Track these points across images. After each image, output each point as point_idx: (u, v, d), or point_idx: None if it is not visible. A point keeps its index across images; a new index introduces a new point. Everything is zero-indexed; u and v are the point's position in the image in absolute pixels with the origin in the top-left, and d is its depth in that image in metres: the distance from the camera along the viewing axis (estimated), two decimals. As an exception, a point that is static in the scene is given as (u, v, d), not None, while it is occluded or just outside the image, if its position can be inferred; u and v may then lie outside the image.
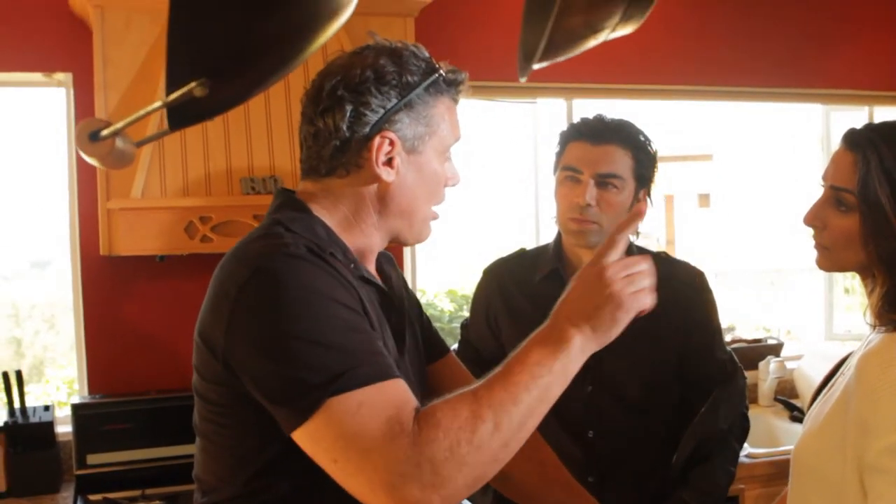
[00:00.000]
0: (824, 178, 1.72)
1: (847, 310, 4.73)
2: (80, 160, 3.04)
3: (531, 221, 3.90)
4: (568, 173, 2.29)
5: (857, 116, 4.45)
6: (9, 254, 3.85)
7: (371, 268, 1.58)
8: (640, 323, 2.29)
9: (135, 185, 2.65)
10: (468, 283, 4.13)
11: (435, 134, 1.51)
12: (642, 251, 2.41)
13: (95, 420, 3.01)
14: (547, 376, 1.37)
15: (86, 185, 3.06)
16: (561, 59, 1.47)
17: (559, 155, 2.35)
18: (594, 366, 2.25)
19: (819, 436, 1.69)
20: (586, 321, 1.41)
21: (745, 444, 3.10)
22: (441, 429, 1.25)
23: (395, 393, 1.29)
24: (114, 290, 3.16)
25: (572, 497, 1.90)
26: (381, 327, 1.47)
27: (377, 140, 1.45)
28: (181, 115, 1.16)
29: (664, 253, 2.52)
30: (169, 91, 1.10)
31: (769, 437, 3.61)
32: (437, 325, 3.67)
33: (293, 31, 1.16)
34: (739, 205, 6.39)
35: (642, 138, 2.32)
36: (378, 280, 1.54)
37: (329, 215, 1.49)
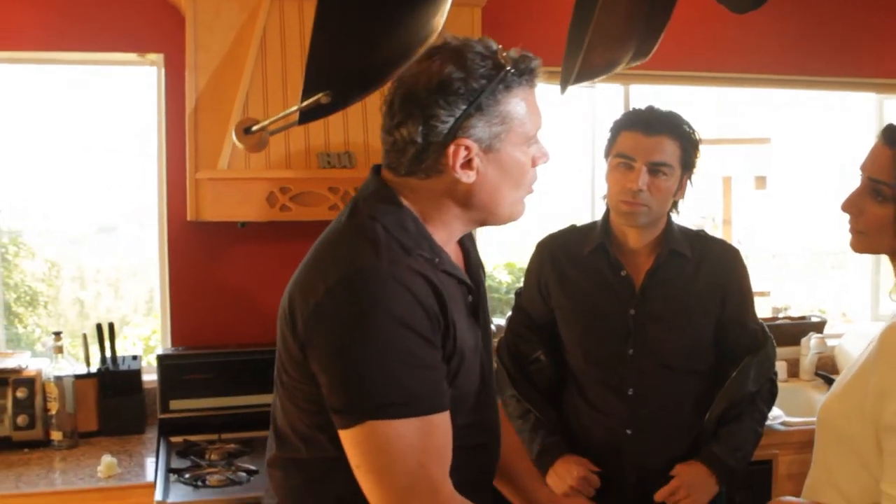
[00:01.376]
0: (862, 168, 1.87)
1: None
2: (170, 134, 3.30)
3: (587, 199, 4.07)
4: (621, 160, 2.48)
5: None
6: (76, 218, 4.06)
7: (452, 249, 1.66)
8: (681, 295, 2.53)
9: (221, 158, 2.88)
10: (525, 257, 4.31)
11: (511, 129, 1.54)
12: (683, 230, 2.63)
13: (178, 370, 3.25)
14: None
15: (174, 156, 3.30)
16: (586, 84, 1.66)
17: (612, 142, 2.54)
18: (636, 331, 2.50)
19: (842, 398, 1.86)
20: None
21: (782, 413, 3.29)
22: None
23: (436, 431, 1.44)
24: (197, 252, 3.40)
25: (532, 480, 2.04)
26: (458, 318, 1.55)
27: (452, 148, 1.49)
28: (306, 115, 1.40)
29: (702, 231, 2.72)
30: (303, 98, 1.33)
31: (807, 408, 3.78)
32: (494, 295, 3.86)
33: (399, 53, 1.35)
34: (795, 188, 6.45)
35: (687, 128, 2.51)
36: (461, 272, 1.62)
37: (416, 208, 1.57)
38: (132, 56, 3.36)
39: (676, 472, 2.49)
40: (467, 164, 1.52)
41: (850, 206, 1.88)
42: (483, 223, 1.66)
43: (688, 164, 2.53)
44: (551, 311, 2.65)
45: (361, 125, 2.99)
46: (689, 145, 2.51)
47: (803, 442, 3.29)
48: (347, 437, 1.44)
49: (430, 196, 1.57)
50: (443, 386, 1.49)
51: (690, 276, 2.57)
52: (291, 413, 1.59)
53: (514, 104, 1.54)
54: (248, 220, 2.97)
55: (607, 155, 2.56)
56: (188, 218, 2.99)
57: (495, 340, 2.79)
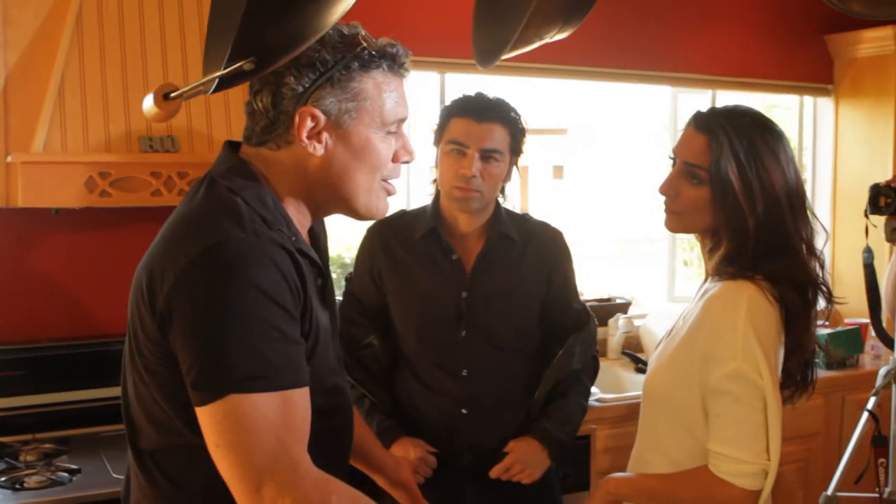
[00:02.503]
0: (676, 153, 2.00)
1: (686, 279, 5.15)
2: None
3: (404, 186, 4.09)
4: (454, 146, 2.53)
5: (701, 99, 4.83)
6: None
7: (305, 233, 1.65)
8: (510, 277, 2.61)
9: (35, 140, 2.72)
10: (336, 245, 4.32)
11: (364, 108, 1.56)
12: (510, 213, 2.71)
13: (-16, 367, 3.06)
14: None
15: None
16: (510, 55, 1.72)
17: (442, 128, 2.58)
18: (468, 313, 2.56)
19: (668, 368, 1.98)
20: None
21: (597, 390, 3.43)
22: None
23: (294, 407, 1.42)
24: (5, 241, 3.20)
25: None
26: (314, 300, 1.55)
27: (297, 117, 1.52)
28: (225, 82, 1.36)
29: (527, 214, 2.81)
30: (227, 64, 1.29)
31: (617, 385, 3.97)
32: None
33: (317, 16, 1.33)
34: (591, 178, 6.73)
35: (515, 115, 2.60)
36: (314, 253, 1.61)
37: (271, 185, 1.57)
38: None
39: (510, 448, 2.57)
40: (316, 136, 1.55)
41: (667, 188, 2.00)
42: (340, 210, 1.67)
43: (516, 150, 2.62)
44: (383, 296, 2.67)
45: (184, 108, 2.88)
46: (517, 132, 2.60)
47: (617, 417, 3.45)
48: (206, 414, 1.40)
49: (283, 171, 1.58)
50: (303, 361, 1.48)
51: (518, 258, 2.66)
52: (146, 400, 1.54)
53: (371, 85, 1.57)
54: (65, 206, 2.83)
55: (438, 141, 2.60)
56: (-1, 204, 2.84)
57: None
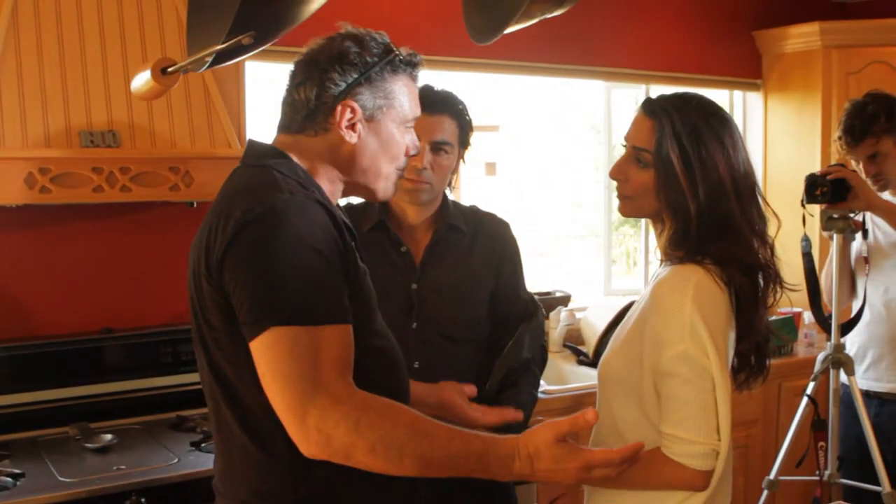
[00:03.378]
0: (626, 138, 2.03)
1: (619, 274, 5.22)
2: None
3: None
4: None
5: (635, 94, 4.90)
6: None
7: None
8: (459, 268, 2.61)
9: (-29, 136, 2.66)
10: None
11: (392, 106, 1.81)
12: (457, 205, 2.72)
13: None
14: (462, 466, 1.63)
15: None
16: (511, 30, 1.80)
17: None
18: (419, 305, 2.56)
19: (620, 351, 2.01)
20: (534, 478, 1.67)
21: (542, 382, 3.45)
22: (357, 424, 1.53)
23: (334, 341, 1.58)
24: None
25: None
26: (353, 250, 1.73)
27: (339, 108, 1.74)
28: (223, 56, 1.38)
29: (475, 206, 2.82)
30: (227, 38, 1.32)
31: (560, 377, 4.00)
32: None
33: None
34: (523, 175, 6.76)
35: (462, 108, 2.62)
36: (345, 216, 1.79)
37: (304, 164, 1.77)
38: None
39: (464, 439, 2.56)
40: (351, 126, 1.77)
41: (617, 172, 2.02)
42: (360, 192, 1.90)
43: (464, 142, 2.63)
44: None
45: (125, 103, 2.85)
46: (465, 124, 2.62)
47: (562, 408, 3.48)
48: (255, 347, 1.57)
49: (317, 155, 1.78)
50: (345, 302, 1.64)
51: (467, 249, 2.66)
52: (226, 373, 1.70)
53: (398, 86, 1.82)
54: (4, 203, 2.74)
55: None
56: (-69, 203, 2.74)
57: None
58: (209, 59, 1.31)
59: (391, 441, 1.55)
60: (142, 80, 1.37)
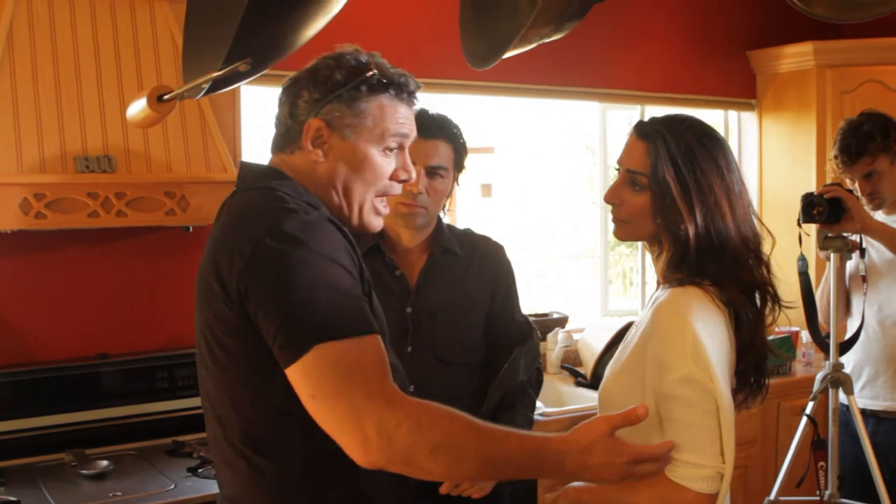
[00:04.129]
0: (620, 162, 2.02)
1: (615, 294, 5.21)
2: None
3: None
4: None
5: (629, 115, 4.91)
6: None
7: None
8: (454, 291, 2.61)
9: (-34, 162, 2.65)
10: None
11: (364, 126, 1.76)
12: (451, 228, 2.72)
13: None
14: (517, 466, 1.64)
15: None
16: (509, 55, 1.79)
17: None
18: (414, 329, 2.55)
19: (621, 375, 1.99)
20: (583, 474, 1.67)
21: (541, 404, 3.44)
22: (419, 423, 1.52)
23: (374, 349, 1.58)
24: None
25: None
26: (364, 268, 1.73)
27: (305, 126, 1.74)
28: (220, 84, 1.38)
29: (469, 230, 2.82)
30: (224, 65, 1.32)
31: (558, 399, 3.99)
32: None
33: (304, 25, 1.35)
34: (519, 196, 6.77)
35: (457, 131, 2.63)
36: (352, 238, 1.74)
37: (299, 180, 1.76)
38: None
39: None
40: (321, 145, 1.76)
41: (612, 196, 2.01)
42: (340, 219, 1.78)
43: (459, 166, 2.64)
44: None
45: (121, 128, 2.85)
46: (460, 148, 2.63)
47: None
48: (297, 370, 1.54)
49: (304, 174, 1.77)
50: (370, 314, 1.63)
51: (462, 272, 2.66)
52: (235, 390, 1.70)
53: (374, 105, 1.77)
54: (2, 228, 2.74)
55: None
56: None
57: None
58: (206, 87, 1.31)
59: (453, 441, 1.54)
60: (137, 107, 1.37)
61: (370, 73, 1.76)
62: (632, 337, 2.03)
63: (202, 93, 1.33)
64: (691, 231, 1.88)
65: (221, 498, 1.82)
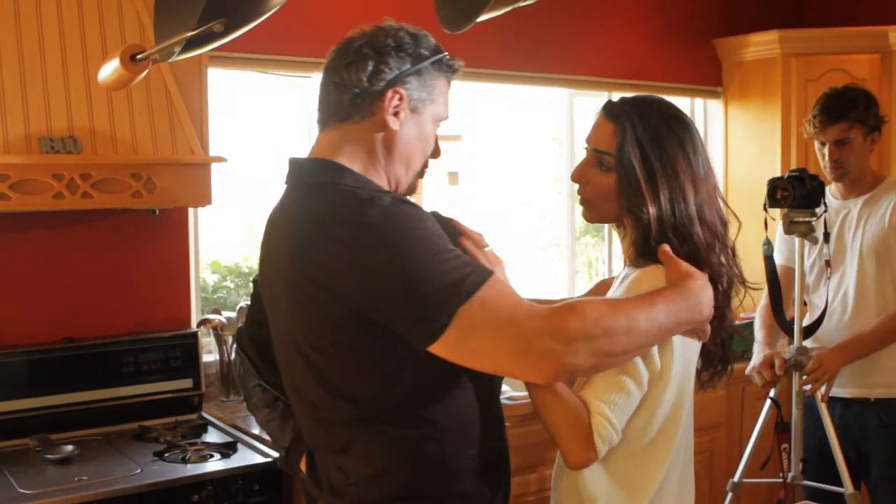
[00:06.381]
0: (587, 141, 2.02)
1: (581, 283, 5.24)
2: None
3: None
4: None
5: (597, 102, 4.92)
6: None
7: None
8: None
9: (-73, 142, 2.61)
10: (229, 257, 4.26)
11: (434, 102, 1.84)
12: (437, 215, 2.71)
13: None
14: (675, 319, 1.77)
15: None
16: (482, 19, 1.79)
17: None
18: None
19: None
20: (698, 290, 1.83)
21: (508, 388, 3.46)
22: (579, 314, 1.61)
23: (500, 284, 1.65)
24: None
25: None
26: None
27: (389, 93, 1.76)
28: (193, 43, 1.37)
29: (436, 212, 2.81)
30: (198, 25, 1.30)
31: (520, 383, 3.99)
32: (202, 294, 3.81)
33: None
34: (486, 184, 6.77)
35: None
36: None
37: (352, 163, 1.78)
38: None
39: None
40: (395, 114, 1.78)
41: (578, 175, 2.01)
42: (397, 183, 1.86)
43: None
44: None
45: (86, 108, 2.82)
46: None
47: (527, 414, 3.46)
48: (448, 339, 1.59)
49: (363, 144, 1.80)
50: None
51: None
52: (353, 384, 1.75)
53: (441, 86, 1.86)
54: (-38, 210, 2.71)
55: None
56: None
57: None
58: (178, 49, 1.30)
59: (615, 315, 1.66)
60: (109, 69, 1.35)
61: (442, 53, 1.85)
62: None
63: (175, 54, 1.32)
64: (653, 213, 1.88)
65: (345, 484, 1.83)
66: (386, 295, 1.61)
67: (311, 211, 1.73)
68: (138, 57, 1.33)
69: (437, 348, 1.62)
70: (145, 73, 1.38)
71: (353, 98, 1.78)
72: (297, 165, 1.85)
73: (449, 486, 1.79)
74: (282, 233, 1.78)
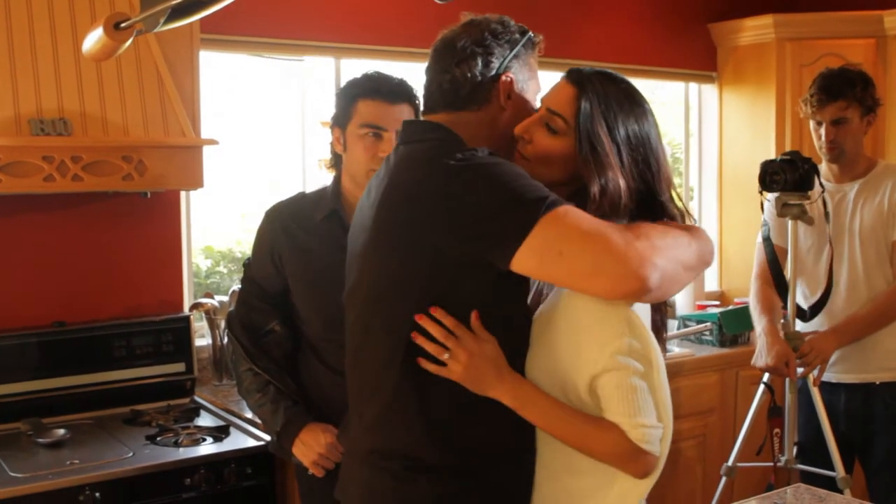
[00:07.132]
0: (543, 100, 1.93)
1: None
2: None
3: (297, 167, 4.00)
4: (370, 130, 2.51)
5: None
6: None
7: None
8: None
9: (-83, 123, 2.60)
10: (220, 240, 4.25)
11: (534, 79, 1.95)
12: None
13: None
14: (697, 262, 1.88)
15: None
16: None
17: (349, 110, 2.54)
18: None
19: (548, 358, 1.91)
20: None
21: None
22: (649, 235, 1.73)
23: (582, 213, 1.73)
24: None
25: None
26: None
27: (503, 78, 1.88)
28: (179, 12, 1.35)
29: None
30: None
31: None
32: (195, 280, 3.79)
33: None
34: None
35: (416, 94, 2.59)
36: None
37: (471, 142, 1.86)
38: None
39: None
40: (508, 97, 1.90)
41: (523, 129, 1.92)
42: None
43: None
44: (285, 280, 2.62)
45: (77, 91, 2.80)
46: (418, 112, 2.59)
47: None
48: (534, 241, 1.67)
49: (478, 129, 1.89)
50: None
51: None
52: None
53: (533, 63, 1.95)
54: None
55: (344, 124, 2.56)
56: None
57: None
58: (164, 17, 1.28)
59: (674, 242, 1.78)
60: (93, 38, 1.33)
61: (529, 33, 1.95)
62: (549, 306, 1.96)
63: (160, 24, 1.30)
64: (623, 185, 1.80)
65: (376, 454, 1.88)
66: (487, 212, 1.70)
67: (418, 162, 1.84)
68: (122, 25, 1.31)
69: (524, 251, 1.68)
70: (129, 41, 1.35)
71: (471, 91, 1.88)
72: (411, 125, 1.98)
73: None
74: (381, 183, 1.89)
